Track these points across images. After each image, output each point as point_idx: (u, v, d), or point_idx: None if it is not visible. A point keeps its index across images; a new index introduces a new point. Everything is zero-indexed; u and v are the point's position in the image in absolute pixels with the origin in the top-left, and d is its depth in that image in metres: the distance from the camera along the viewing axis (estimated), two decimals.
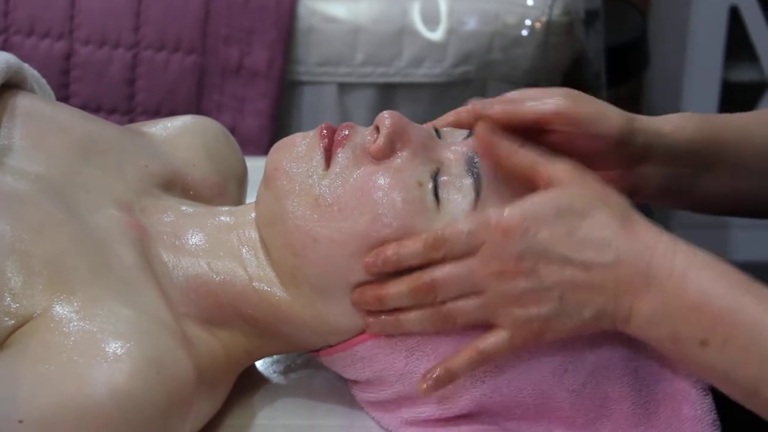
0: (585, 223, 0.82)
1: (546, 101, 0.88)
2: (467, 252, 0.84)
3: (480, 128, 0.86)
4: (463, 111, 0.91)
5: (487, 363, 0.86)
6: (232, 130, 1.72)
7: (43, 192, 0.90)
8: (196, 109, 1.75)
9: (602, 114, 0.90)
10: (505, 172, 0.86)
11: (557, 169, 0.84)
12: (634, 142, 0.91)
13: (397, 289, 0.86)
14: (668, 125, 0.94)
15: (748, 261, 2.59)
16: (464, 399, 0.89)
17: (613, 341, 0.88)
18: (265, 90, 1.77)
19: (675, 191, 0.97)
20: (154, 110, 1.74)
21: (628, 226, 0.82)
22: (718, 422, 0.89)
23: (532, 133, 0.88)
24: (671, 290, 0.80)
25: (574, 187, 0.83)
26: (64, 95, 1.73)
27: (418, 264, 0.85)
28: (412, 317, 0.86)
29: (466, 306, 0.85)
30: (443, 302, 0.85)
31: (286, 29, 1.77)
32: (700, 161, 0.96)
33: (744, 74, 2.56)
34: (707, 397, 0.89)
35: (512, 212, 0.82)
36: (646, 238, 0.82)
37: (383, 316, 0.87)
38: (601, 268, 0.82)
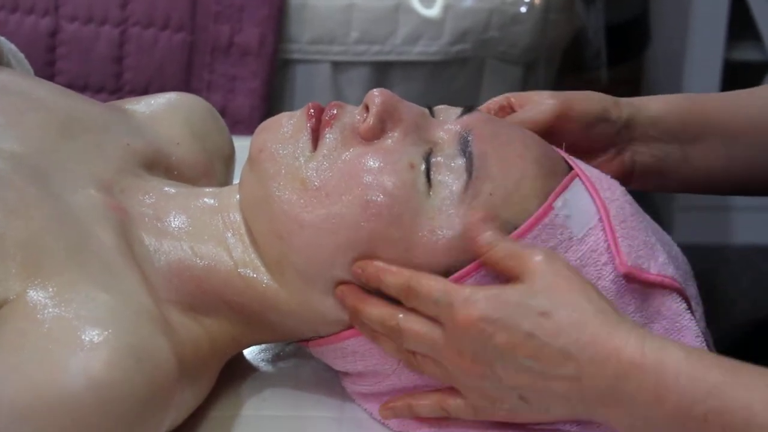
0: (546, 325, 0.77)
1: (542, 109, 0.91)
2: (435, 317, 0.81)
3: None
4: None
5: (448, 418, 0.85)
6: (223, 110, 1.73)
7: (18, 171, 0.87)
8: (186, 87, 1.74)
9: (586, 96, 0.94)
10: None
11: (530, 261, 0.79)
12: (616, 116, 0.92)
13: (372, 312, 0.83)
14: (651, 100, 0.95)
15: (749, 244, 2.62)
16: None
17: None
18: (256, 69, 1.76)
19: (665, 170, 0.96)
20: (143, 89, 1.73)
21: (592, 326, 0.76)
22: None
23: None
24: (647, 402, 0.75)
25: (541, 281, 0.78)
26: (49, 73, 1.72)
27: (394, 297, 0.83)
28: (383, 342, 0.85)
29: (430, 368, 0.83)
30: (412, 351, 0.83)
31: (278, 6, 1.76)
32: (686, 133, 0.95)
33: (746, 53, 2.56)
34: None
35: (472, 309, 0.78)
36: (610, 341, 0.76)
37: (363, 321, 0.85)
38: (561, 380, 0.77)
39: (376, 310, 0.83)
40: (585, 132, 0.95)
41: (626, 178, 0.96)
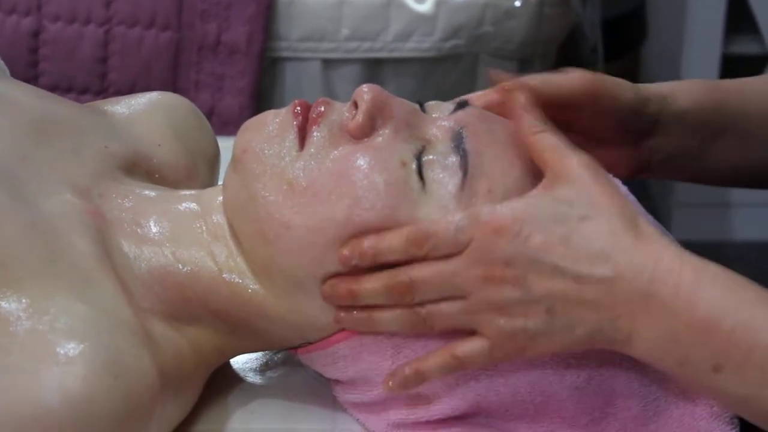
0: (583, 229, 0.77)
1: (571, 79, 0.89)
2: (452, 250, 0.79)
3: (516, 95, 0.83)
4: (493, 89, 0.88)
5: (462, 370, 0.82)
6: (211, 110, 1.72)
7: None
8: (173, 87, 1.73)
9: (620, 83, 0.91)
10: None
11: (571, 162, 0.79)
12: (646, 111, 0.91)
13: (371, 285, 0.81)
14: (678, 91, 0.93)
15: (748, 240, 2.62)
16: (456, 399, 0.84)
17: None
18: (244, 67, 1.75)
19: (681, 163, 0.95)
20: (128, 89, 1.71)
21: (630, 236, 0.77)
22: (736, 420, 0.84)
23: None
24: (677, 310, 0.74)
25: (580, 186, 0.78)
26: (32, 74, 1.71)
27: (396, 260, 0.80)
28: (386, 317, 0.82)
29: (446, 310, 0.80)
30: (421, 304, 0.80)
31: (266, 3, 1.75)
32: (708, 130, 0.94)
33: (745, 47, 2.57)
34: None
35: (504, 210, 0.78)
36: (649, 250, 0.76)
37: (355, 312, 0.82)
38: (595, 283, 0.76)
39: (376, 279, 0.81)
40: (608, 120, 0.92)
41: (639, 169, 0.95)
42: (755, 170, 0.98)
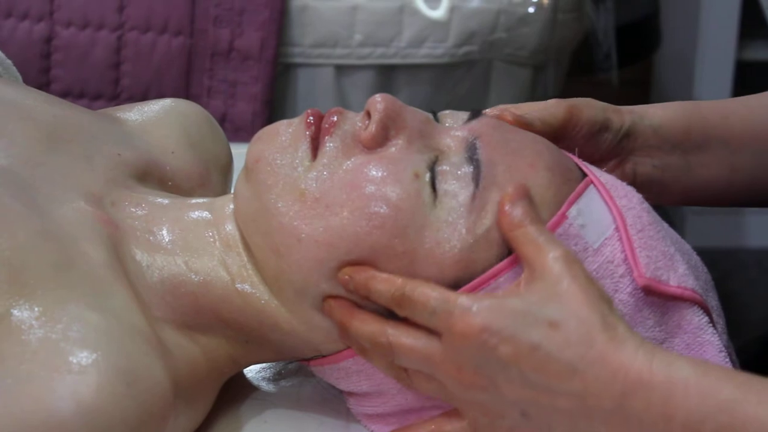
0: (553, 337, 0.73)
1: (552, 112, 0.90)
2: (430, 328, 0.77)
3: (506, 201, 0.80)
4: None
5: None
6: (224, 116, 1.71)
7: (2, 184, 0.84)
8: (185, 93, 1.72)
9: (588, 101, 0.92)
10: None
11: (546, 258, 0.76)
12: (618, 125, 0.92)
13: (358, 328, 0.80)
14: (652, 107, 0.94)
15: (763, 246, 2.60)
16: None
17: None
18: (257, 73, 1.74)
19: (667, 181, 0.94)
20: (141, 95, 1.71)
21: (600, 342, 0.73)
22: None
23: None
24: (653, 422, 0.72)
25: (552, 284, 0.75)
26: (45, 80, 1.69)
27: (384, 306, 0.79)
28: (375, 360, 0.81)
29: (425, 384, 0.79)
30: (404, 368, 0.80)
31: (279, 9, 1.74)
32: (689, 141, 0.94)
33: (759, 53, 2.58)
34: None
35: (475, 316, 0.74)
36: (618, 359, 0.73)
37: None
38: (567, 396, 0.74)
39: (364, 325, 0.79)
40: (587, 140, 0.92)
41: None
42: (747, 187, 0.96)
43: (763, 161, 0.96)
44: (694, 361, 0.73)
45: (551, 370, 0.73)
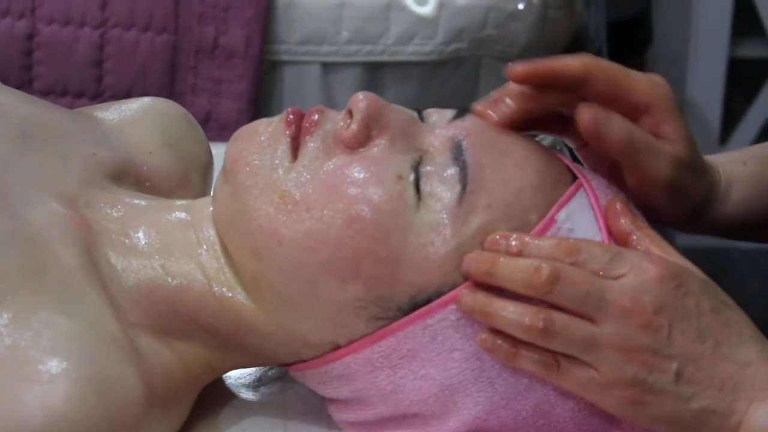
0: (728, 312, 0.77)
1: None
2: (603, 272, 0.76)
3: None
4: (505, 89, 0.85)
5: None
6: (208, 114, 1.69)
7: None
8: (169, 91, 1.70)
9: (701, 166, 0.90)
10: None
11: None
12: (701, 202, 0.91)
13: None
14: (733, 190, 0.93)
15: (756, 245, 2.60)
16: (454, 421, 0.80)
17: None
18: (242, 71, 1.72)
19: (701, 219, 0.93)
20: (124, 93, 1.68)
21: (757, 331, 0.78)
22: None
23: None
24: None
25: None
26: (26, 78, 1.67)
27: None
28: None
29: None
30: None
31: (265, 5, 1.71)
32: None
33: (751, 50, 2.57)
34: None
35: (671, 263, 0.77)
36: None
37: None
38: (730, 361, 0.76)
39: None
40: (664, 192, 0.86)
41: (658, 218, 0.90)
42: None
43: None
44: None
45: (726, 332, 0.76)
